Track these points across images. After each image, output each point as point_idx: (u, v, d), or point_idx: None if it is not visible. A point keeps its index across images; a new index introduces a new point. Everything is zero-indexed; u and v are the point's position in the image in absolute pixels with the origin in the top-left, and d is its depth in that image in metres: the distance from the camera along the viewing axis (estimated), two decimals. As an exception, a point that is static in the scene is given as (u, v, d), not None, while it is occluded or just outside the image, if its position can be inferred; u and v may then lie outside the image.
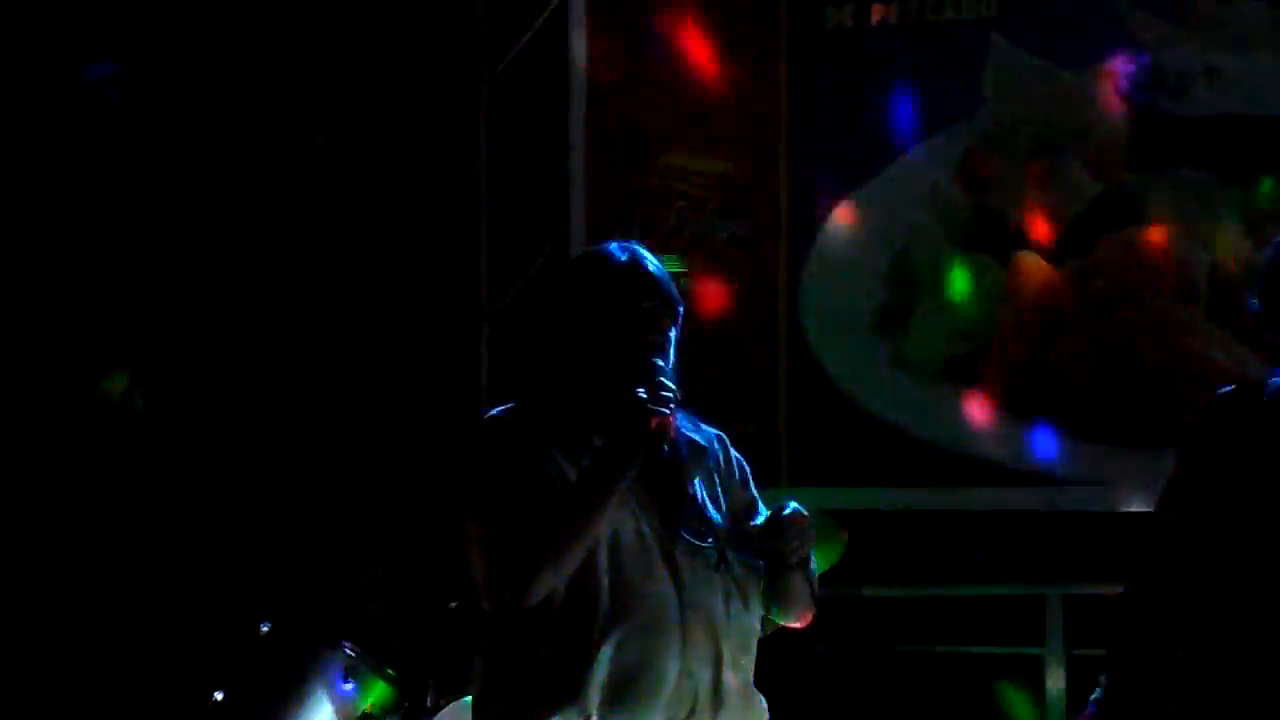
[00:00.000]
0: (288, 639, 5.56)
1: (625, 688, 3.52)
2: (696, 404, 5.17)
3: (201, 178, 6.86)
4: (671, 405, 3.51)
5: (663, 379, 3.53)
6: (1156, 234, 6.28)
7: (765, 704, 3.73)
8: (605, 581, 3.53)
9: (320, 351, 6.85)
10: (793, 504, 3.56)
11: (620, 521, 3.55)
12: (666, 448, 3.54)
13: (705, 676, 3.58)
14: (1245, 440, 3.43)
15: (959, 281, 6.45)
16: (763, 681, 5.89)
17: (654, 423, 3.48)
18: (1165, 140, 6.26)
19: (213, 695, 5.52)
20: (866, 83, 6.56)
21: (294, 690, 5.48)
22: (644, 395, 3.50)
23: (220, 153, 6.86)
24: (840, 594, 6.22)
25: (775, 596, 3.67)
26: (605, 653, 3.50)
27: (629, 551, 3.55)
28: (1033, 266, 6.37)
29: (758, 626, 3.69)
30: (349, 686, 5.50)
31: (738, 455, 3.75)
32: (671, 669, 3.54)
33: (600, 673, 3.50)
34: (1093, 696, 3.60)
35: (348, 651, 5.55)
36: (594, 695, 3.50)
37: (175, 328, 6.82)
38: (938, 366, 6.47)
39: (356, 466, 6.66)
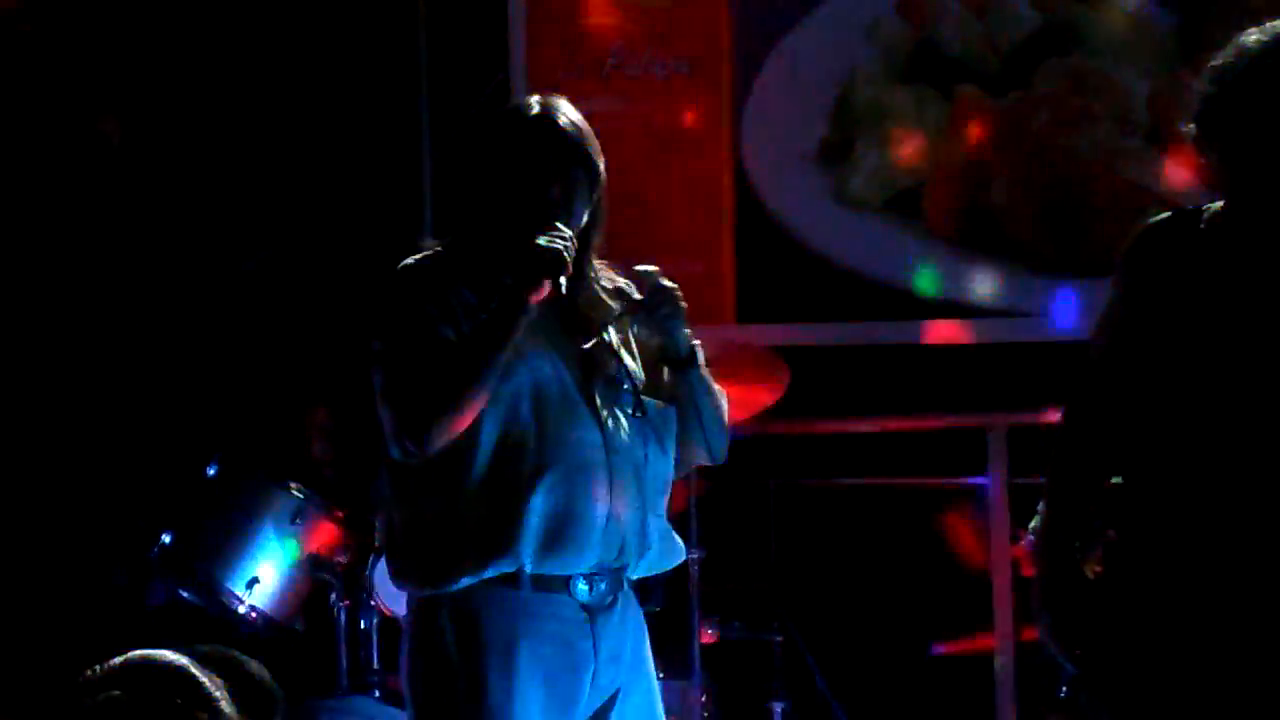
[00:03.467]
0: (235, 480, 5.59)
1: (557, 534, 3.55)
2: (642, 245, 5.18)
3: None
4: (566, 248, 3.53)
5: (558, 224, 3.55)
6: (1096, 63, 6.28)
7: (684, 551, 3.79)
8: (532, 431, 3.55)
9: (264, 194, 6.80)
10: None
11: (540, 371, 3.57)
12: (565, 291, 3.55)
13: (632, 519, 3.62)
14: (1180, 268, 3.44)
15: (900, 115, 6.44)
16: (715, 516, 5.96)
17: (547, 256, 3.50)
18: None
19: (160, 537, 5.55)
20: (806, -85, 6.52)
21: (241, 531, 5.52)
22: (538, 239, 3.51)
23: None
24: (788, 429, 6.29)
25: (687, 424, 3.70)
26: (536, 501, 3.53)
27: (552, 401, 3.58)
28: (974, 98, 6.36)
29: (673, 471, 3.72)
30: (296, 527, 5.53)
31: (664, 302, 3.73)
32: (600, 513, 3.57)
33: (532, 521, 3.53)
34: (1031, 524, 3.64)
35: (295, 492, 5.57)
36: (527, 544, 3.52)
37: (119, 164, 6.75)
38: (880, 201, 6.47)
39: (303, 307, 6.64)
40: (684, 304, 3.66)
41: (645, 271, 3.68)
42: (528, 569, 3.54)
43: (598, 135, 3.70)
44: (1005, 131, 6.31)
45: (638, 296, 3.68)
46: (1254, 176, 3.37)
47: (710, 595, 5.91)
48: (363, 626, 5.55)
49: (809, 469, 6.61)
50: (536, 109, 3.65)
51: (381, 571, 5.36)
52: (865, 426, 6.54)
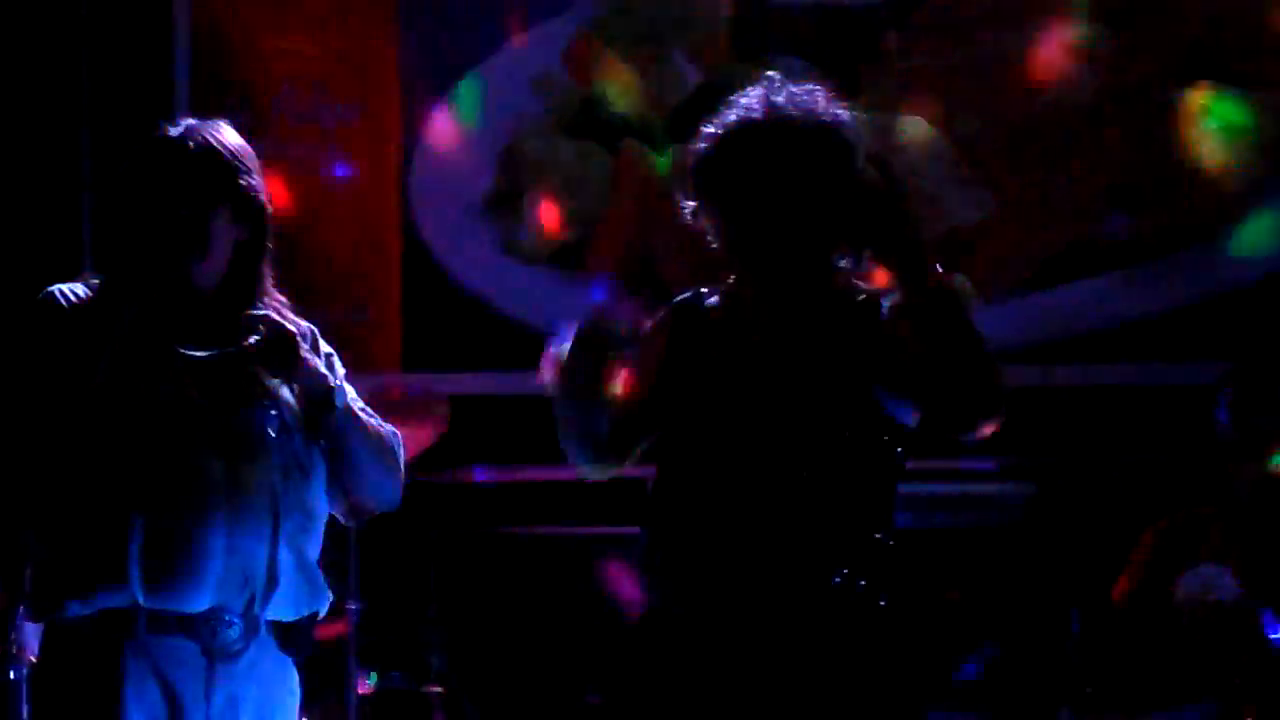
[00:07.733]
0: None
1: (165, 564, 3.39)
2: (313, 290, 5.09)
3: None
4: (190, 253, 3.46)
5: (187, 230, 3.45)
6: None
7: (330, 595, 3.61)
8: (139, 452, 3.40)
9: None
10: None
11: (155, 387, 3.42)
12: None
13: (259, 554, 3.46)
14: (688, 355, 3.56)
15: (566, 168, 6.51)
16: (374, 568, 5.93)
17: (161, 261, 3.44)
18: (766, 30, 6.41)
19: None
20: (477, -35, 6.59)
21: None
22: (157, 245, 3.45)
23: None
24: (450, 479, 6.29)
25: (342, 469, 3.58)
26: (139, 528, 3.37)
27: (168, 418, 3.42)
28: (637, 155, 6.47)
29: (324, 508, 3.59)
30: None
31: (328, 348, 3.64)
32: (216, 545, 3.41)
33: (134, 549, 3.37)
34: None
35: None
36: (134, 572, 3.37)
37: None
38: (548, 253, 6.53)
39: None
40: (300, 353, 3.50)
41: (256, 316, 3.50)
42: (141, 603, 3.39)
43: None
44: (665, 188, 6.42)
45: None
46: (755, 234, 3.44)
47: (369, 646, 5.87)
48: (13, 677, 5.42)
49: (471, 518, 6.62)
50: (176, 130, 3.53)
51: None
52: (528, 475, 6.57)
